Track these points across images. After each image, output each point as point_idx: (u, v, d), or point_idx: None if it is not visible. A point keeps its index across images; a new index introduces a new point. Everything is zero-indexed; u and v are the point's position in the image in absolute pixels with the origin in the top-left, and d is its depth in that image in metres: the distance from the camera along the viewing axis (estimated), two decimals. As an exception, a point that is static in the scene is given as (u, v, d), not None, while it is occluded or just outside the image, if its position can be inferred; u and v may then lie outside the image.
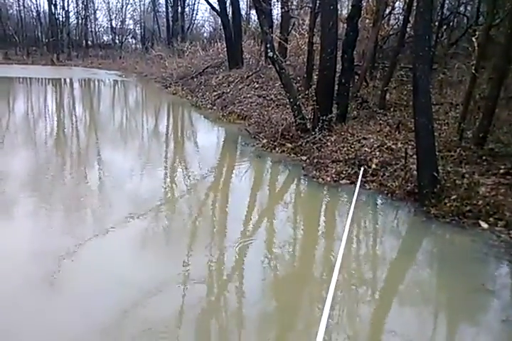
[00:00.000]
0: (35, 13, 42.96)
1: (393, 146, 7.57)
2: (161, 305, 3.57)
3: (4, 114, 13.41)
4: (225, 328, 3.48)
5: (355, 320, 3.63)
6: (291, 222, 5.74)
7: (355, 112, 10.32)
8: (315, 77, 11.83)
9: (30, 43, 40.35)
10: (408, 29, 11.04)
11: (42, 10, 42.50)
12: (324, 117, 8.80)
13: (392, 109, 10.34)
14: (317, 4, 11.59)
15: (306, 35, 14.23)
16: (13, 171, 7.07)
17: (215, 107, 14.07)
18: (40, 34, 43.27)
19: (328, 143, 8.21)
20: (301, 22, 17.55)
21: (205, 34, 38.60)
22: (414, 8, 7.95)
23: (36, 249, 4.36)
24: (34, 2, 42.51)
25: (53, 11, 39.42)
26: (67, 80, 25.67)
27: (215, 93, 15.30)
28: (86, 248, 4.47)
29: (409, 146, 7.18)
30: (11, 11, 43.04)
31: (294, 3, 16.52)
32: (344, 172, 7.11)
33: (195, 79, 18.83)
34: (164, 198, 6.33)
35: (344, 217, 6.09)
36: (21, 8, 42.45)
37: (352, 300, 3.90)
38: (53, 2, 38.85)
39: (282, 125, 9.29)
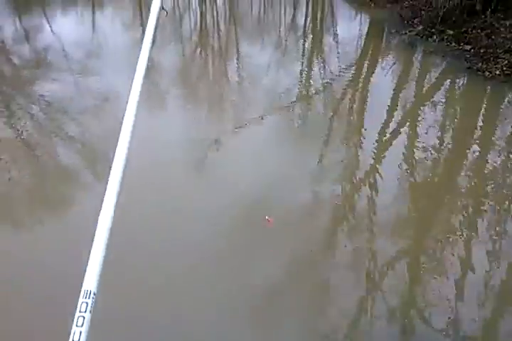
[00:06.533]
0: None
1: None
2: (288, 195, 3.59)
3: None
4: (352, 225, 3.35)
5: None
6: (440, 124, 4.99)
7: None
8: None
9: None
10: None
11: None
12: (501, -5, 7.03)
13: None
14: None
15: None
16: (165, 64, 7.38)
17: (361, -10, 12.34)
18: None
19: (502, 29, 6.64)
20: None
21: None
22: None
23: (187, 138, 4.67)
24: None
25: None
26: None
27: (362, -27, 13.28)
28: (229, 139, 4.62)
29: None
30: None
31: None
32: (520, 64, 5.78)
33: (340, -41, 16.53)
34: (299, 95, 6.03)
35: (510, 121, 5.12)
36: None
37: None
38: None
39: (444, 7, 7.70)
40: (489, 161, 4.19)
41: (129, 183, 3.57)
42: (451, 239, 3.15)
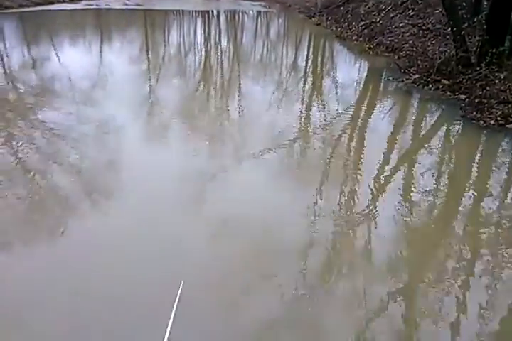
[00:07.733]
0: None
1: None
2: (289, 232, 3.57)
3: (160, 45, 14.35)
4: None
5: None
6: (435, 169, 5.05)
7: (535, 45, 8.42)
8: (485, 2, 9.91)
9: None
10: None
11: None
12: (494, 50, 7.38)
13: None
14: None
15: None
16: (168, 98, 7.55)
17: (361, 39, 12.92)
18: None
19: (496, 81, 6.92)
20: None
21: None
22: None
23: (185, 171, 4.69)
24: None
25: None
26: (215, 12, 26.12)
27: (362, 23, 13.97)
28: (227, 173, 4.64)
29: None
30: None
31: None
32: (514, 115, 5.97)
33: (341, 8, 17.40)
34: (298, 134, 6.12)
35: (504, 169, 5.20)
36: None
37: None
38: None
39: (439, 58, 8.07)
40: (484, 206, 4.22)
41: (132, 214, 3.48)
42: (446, 283, 3.11)
